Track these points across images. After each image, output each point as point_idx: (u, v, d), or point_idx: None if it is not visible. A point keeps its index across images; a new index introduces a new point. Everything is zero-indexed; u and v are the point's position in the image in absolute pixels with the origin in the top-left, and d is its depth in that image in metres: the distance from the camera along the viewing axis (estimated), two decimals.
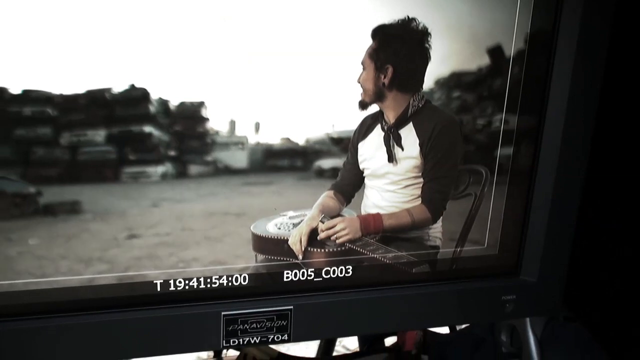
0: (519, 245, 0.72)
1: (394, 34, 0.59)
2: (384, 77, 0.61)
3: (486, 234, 0.70)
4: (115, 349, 0.61)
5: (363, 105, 0.62)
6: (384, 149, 0.63)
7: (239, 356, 0.80)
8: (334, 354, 1.01)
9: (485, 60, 0.64)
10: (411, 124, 0.64)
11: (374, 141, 0.63)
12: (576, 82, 0.65)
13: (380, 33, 0.59)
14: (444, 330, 0.92)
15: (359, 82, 0.60)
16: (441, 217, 0.67)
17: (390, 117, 0.63)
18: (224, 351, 0.86)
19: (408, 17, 0.59)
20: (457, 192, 0.67)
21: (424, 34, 0.60)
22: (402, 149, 0.64)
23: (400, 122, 0.63)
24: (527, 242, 0.72)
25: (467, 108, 0.65)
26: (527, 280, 0.73)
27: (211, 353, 0.88)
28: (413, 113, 0.63)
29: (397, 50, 0.60)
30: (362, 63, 0.60)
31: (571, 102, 0.66)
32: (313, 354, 1.04)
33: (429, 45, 0.61)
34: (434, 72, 0.62)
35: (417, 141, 0.64)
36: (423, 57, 0.61)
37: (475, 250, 0.70)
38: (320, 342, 1.02)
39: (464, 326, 0.91)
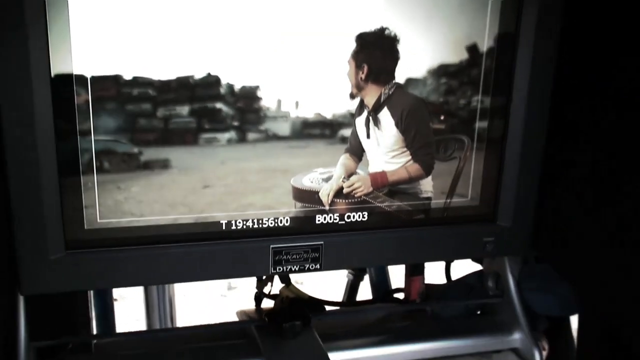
0: (496, 197, 0.87)
1: (369, 39, 0.76)
2: (362, 73, 0.78)
3: (469, 189, 0.87)
4: (191, 272, 0.78)
5: (352, 96, 0.79)
6: (365, 129, 0.81)
7: (276, 299, 0.98)
8: None
9: (465, 55, 0.81)
10: (386, 108, 0.80)
11: (362, 123, 0.81)
12: (535, 70, 0.81)
13: (360, 38, 0.76)
14: (442, 281, 1.09)
15: (347, 76, 0.78)
16: (432, 173, 0.84)
17: (369, 103, 0.80)
18: (263, 301, 1.03)
19: (382, 26, 0.76)
20: (446, 156, 0.84)
21: (394, 40, 0.77)
22: (383, 128, 0.81)
23: (377, 107, 0.80)
24: (502, 194, 0.87)
25: (452, 91, 0.82)
26: (503, 225, 0.88)
27: (252, 304, 1.05)
28: (385, 99, 0.80)
29: (371, 52, 0.77)
30: (348, 62, 0.77)
31: (531, 85, 0.82)
32: None
33: (398, 48, 0.77)
34: (427, 65, 0.79)
35: (393, 121, 0.81)
36: (393, 57, 0.78)
37: (461, 201, 0.87)
38: (346, 289, 1.20)
39: (458, 277, 1.07)
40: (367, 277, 1.34)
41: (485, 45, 0.82)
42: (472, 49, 0.81)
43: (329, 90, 0.78)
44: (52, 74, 0.69)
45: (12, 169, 0.70)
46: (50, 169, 0.71)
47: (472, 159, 0.86)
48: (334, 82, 0.78)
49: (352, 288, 1.28)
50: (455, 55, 0.81)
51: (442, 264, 1.05)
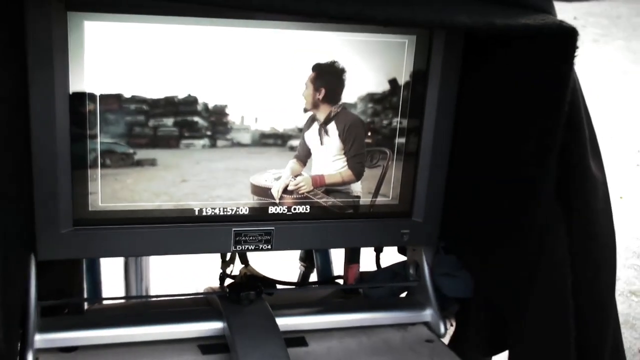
0: (411, 198, 1.03)
1: (324, 69, 0.93)
2: (319, 95, 0.94)
3: (390, 190, 1.02)
4: (170, 247, 0.98)
5: (305, 110, 0.95)
6: (318, 137, 1.01)
7: (237, 276, 1.19)
8: None
9: (387, 87, 0.97)
10: (333, 122, 0.96)
11: (314, 133, 1.00)
12: (441, 98, 0.97)
13: (317, 67, 0.93)
14: (373, 269, 1.26)
15: (303, 96, 0.94)
16: (361, 178, 1.04)
17: (321, 118, 0.96)
18: (226, 280, 1.24)
19: (334, 60, 0.93)
20: (372, 164, 1.03)
21: (342, 71, 0.94)
22: (329, 137, 1.00)
23: (327, 121, 0.96)
24: (416, 196, 1.03)
25: (377, 114, 1.01)
26: (417, 220, 1.04)
27: (217, 283, 1.25)
28: (334, 116, 0.96)
29: (327, 79, 0.94)
30: (306, 84, 0.93)
31: (438, 110, 0.98)
32: None
33: (345, 77, 0.94)
34: (358, 92, 0.99)
35: (337, 133, 0.97)
36: (341, 84, 0.95)
37: (384, 200, 1.03)
38: (298, 279, 1.40)
39: (386, 266, 1.23)
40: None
41: (403, 79, 0.98)
42: (393, 82, 0.98)
43: (281, 110, 0.98)
44: (70, 92, 0.89)
45: (36, 162, 0.90)
46: (65, 163, 0.88)
47: (393, 167, 1.02)
48: (285, 103, 0.98)
49: (303, 278, 1.48)
50: (379, 86, 0.98)
51: (374, 255, 1.24)
